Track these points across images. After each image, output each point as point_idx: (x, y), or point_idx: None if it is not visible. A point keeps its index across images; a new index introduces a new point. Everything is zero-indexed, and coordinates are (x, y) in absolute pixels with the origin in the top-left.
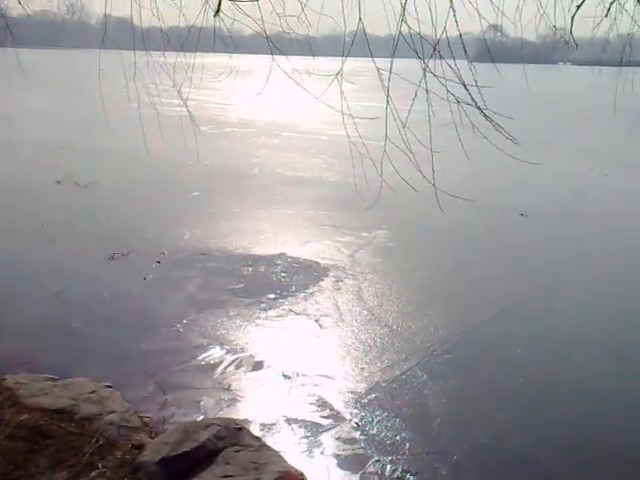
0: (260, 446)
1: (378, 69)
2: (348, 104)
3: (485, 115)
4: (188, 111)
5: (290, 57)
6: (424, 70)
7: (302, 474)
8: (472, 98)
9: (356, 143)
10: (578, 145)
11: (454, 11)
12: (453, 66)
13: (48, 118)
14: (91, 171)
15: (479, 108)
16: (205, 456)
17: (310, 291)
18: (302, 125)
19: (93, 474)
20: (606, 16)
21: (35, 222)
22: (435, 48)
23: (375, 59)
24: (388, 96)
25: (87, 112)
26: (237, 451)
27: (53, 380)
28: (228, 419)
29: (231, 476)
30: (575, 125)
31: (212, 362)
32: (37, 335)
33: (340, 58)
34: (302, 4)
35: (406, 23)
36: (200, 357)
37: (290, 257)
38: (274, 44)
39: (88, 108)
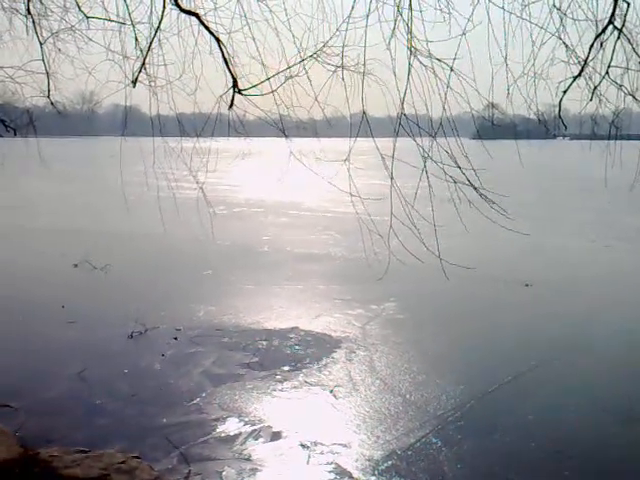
0: None
1: (382, 156)
2: (354, 182)
3: (480, 194)
4: (204, 196)
5: (294, 139)
6: (424, 158)
7: None
8: (468, 179)
9: (364, 220)
10: (577, 217)
11: (445, 98)
12: (451, 149)
13: (64, 204)
14: (107, 254)
15: (475, 188)
16: None
17: (324, 363)
18: (307, 203)
19: None
20: (591, 100)
21: (56, 305)
22: (434, 137)
23: (375, 139)
24: (392, 179)
25: (101, 197)
26: None
27: (84, 452)
28: None
29: None
30: (572, 197)
31: (232, 434)
32: (64, 412)
33: (339, 138)
34: (314, 98)
35: (405, 114)
36: (220, 429)
37: (303, 330)
38: (284, 132)
39: (101, 193)
